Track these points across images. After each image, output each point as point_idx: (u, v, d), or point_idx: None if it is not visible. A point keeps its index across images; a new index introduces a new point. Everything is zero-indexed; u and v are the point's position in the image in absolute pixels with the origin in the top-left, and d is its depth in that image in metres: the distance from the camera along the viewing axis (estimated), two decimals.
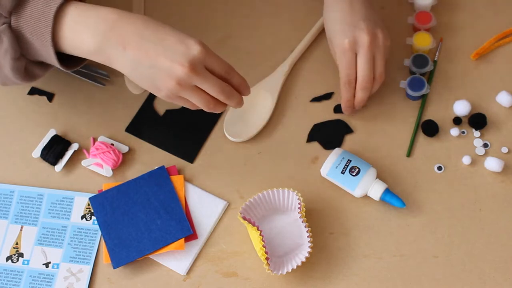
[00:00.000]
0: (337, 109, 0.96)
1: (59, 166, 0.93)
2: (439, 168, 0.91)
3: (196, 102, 0.78)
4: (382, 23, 0.89)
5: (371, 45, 0.87)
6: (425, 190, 0.90)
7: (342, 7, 0.88)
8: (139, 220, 0.89)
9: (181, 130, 0.96)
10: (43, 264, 0.88)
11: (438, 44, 0.99)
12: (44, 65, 0.82)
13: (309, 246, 0.84)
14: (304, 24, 1.02)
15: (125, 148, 0.94)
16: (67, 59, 0.81)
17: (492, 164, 0.89)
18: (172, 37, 0.75)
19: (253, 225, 0.84)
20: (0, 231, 0.90)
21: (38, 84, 1.00)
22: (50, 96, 0.99)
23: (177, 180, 0.92)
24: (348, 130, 0.95)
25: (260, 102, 0.96)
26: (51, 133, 0.95)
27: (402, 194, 0.90)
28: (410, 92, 0.94)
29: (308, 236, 0.84)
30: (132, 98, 0.98)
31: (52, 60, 0.78)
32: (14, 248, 0.89)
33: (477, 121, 0.92)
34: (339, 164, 0.89)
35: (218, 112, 0.81)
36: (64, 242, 0.89)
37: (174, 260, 0.88)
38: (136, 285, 0.87)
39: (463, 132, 0.94)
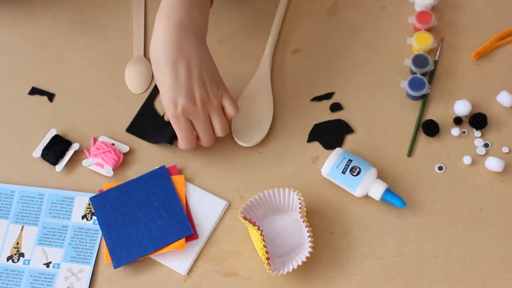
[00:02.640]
0: (334, 107, 0.96)
1: (59, 166, 0.93)
2: (440, 168, 0.91)
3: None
4: (212, 70, 0.87)
5: (202, 109, 0.85)
6: (426, 190, 0.90)
7: (169, 74, 0.83)
8: (140, 220, 0.89)
9: None
10: (44, 264, 0.88)
11: (439, 44, 0.99)
12: None
13: (309, 246, 0.84)
14: (305, 24, 1.02)
15: (125, 148, 0.94)
16: None
17: (493, 164, 0.89)
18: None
19: (254, 225, 0.84)
20: (0, 231, 0.90)
21: (38, 84, 1.00)
22: (50, 96, 0.99)
23: (177, 180, 0.92)
24: (348, 130, 0.95)
25: (259, 102, 0.96)
26: (52, 133, 0.95)
27: (402, 194, 0.90)
28: (410, 92, 0.94)
29: (308, 236, 0.84)
30: (133, 98, 0.98)
31: None
32: (14, 248, 0.89)
33: (478, 121, 0.92)
34: (339, 164, 0.89)
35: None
36: (65, 242, 0.89)
37: (175, 260, 0.88)
38: (136, 285, 0.87)
39: (463, 132, 0.94)
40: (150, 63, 1.00)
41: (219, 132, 0.89)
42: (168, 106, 0.84)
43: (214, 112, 0.87)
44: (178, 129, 0.87)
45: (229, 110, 0.88)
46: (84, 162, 0.93)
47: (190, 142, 0.88)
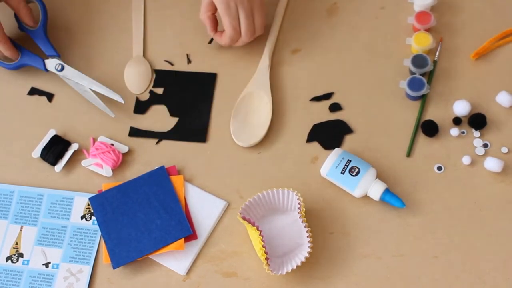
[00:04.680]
0: (333, 108, 0.96)
1: (59, 166, 0.93)
2: (439, 168, 0.91)
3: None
4: None
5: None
6: (425, 190, 0.90)
7: None
8: (139, 220, 0.89)
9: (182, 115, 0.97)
10: (43, 264, 0.88)
11: (438, 44, 0.99)
12: None
13: (309, 246, 0.84)
14: (304, 24, 1.02)
15: (125, 148, 0.94)
16: None
17: (492, 164, 0.89)
18: None
19: (253, 225, 0.84)
20: (0, 231, 0.90)
21: (38, 84, 1.00)
22: (50, 96, 0.99)
23: (177, 180, 0.92)
24: (348, 130, 0.95)
25: (258, 102, 0.96)
26: (51, 133, 0.95)
27: (402, 194, 0.90)
28: (409, 92, 0.94)
29: (308, 236, 0.84)
30: (132, 98, 0.98)
31: None
32: (14, 248, 0.89)
33: (477, 121, 0.92)
34: (339, 164, 0.89)
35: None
36: (64, 242, 0.89)
37: (174, 260, 0.88)
38: (135, 285, 0.87)
39: (463, 132, 0.94)
40: (149, 63, 1.00)
41: (259, 28, 0.95)
42: (219, 3, 0.91)
43: (256, 7, 0.93)
44: (228, 15, 0.92)
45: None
46: (83, 163, 0.93)
47: (236, 32, 0.94)
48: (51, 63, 0.97)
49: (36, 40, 0.98)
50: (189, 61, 1.01)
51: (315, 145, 0.94)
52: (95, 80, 0.96)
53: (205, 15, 0.96)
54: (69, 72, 0.97)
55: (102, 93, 0.95)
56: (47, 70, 0.97)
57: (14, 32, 1.01)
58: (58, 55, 0.98)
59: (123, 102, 0.95)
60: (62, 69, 0.97)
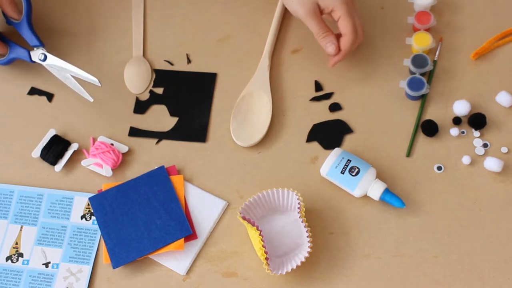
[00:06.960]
0: (333, 108, 0.96)
1: (58, 166, 0.93)
2: (439, 168, 0.91)
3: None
4: None
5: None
6: (425, 190, 0.90)
7: None
8: (139, 220, 0.89)
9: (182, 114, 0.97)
10: (43, 264, 0.88)
11: (438, 44, 0.99)
12: None
13: (308, 246, 0.84)
14: (304, 24, 1.02)
15: (124, 148, 0.94)
16: None
17: (492, 164, 0.89)
18: None
19: (253, 225, 0.84)
20: (0, 231, 0.90)
21: (37, 84, 1.00)
22: (49, 96, 0.99)
23: (176, 180, 0.92)
24: (347, 130, 0.95)
25: (258, 102, 0.96)
26: (51, 133, 0.95)
27: (401, 194, 0.90)
28: (409, 92, 0.94)
29: (307, 236, 0.84)
30: (131, 98, 0.98)
31: None
32: (13, 248, 0.89)
33: (477, 121, 0.92)
34: (338, 164, 0.89)
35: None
36: (64, 242, 0.89)
37: (174, 260, 0.88)
38: (135, 285, 0.87)
39: (462, 132, 0.94)
40: (149, 63, 1.00)
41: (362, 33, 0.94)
42: (341, 6, 0.90)
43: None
44: (352, 18, 0.91)
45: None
46: (83, 162, 0.93)
47: (356, 35, 0.92)
48: (36, 54, 0.97)
49: (21, 32, 0.98)
50: (189, 61, 1.01)
51: (315, 145, 0.94)
52: (75, 65, 0.94)
53: (330, 33, 0.93)
54: (52, 61, 0.96)
55: (80, 77, 0.94)
56: (33, 62, 0.97)
57: (2, 26, 1.01)
58: (42, 45, 0.97)
59: (100, 85, 0.93)
60: (45, 58, 0.96)
